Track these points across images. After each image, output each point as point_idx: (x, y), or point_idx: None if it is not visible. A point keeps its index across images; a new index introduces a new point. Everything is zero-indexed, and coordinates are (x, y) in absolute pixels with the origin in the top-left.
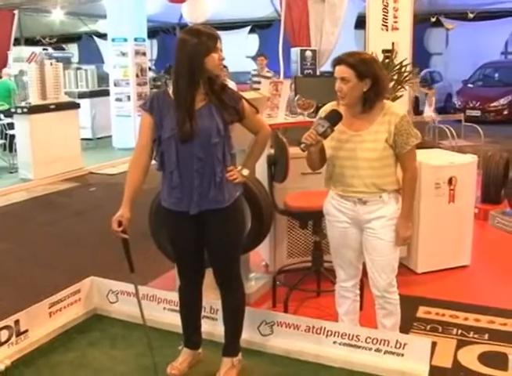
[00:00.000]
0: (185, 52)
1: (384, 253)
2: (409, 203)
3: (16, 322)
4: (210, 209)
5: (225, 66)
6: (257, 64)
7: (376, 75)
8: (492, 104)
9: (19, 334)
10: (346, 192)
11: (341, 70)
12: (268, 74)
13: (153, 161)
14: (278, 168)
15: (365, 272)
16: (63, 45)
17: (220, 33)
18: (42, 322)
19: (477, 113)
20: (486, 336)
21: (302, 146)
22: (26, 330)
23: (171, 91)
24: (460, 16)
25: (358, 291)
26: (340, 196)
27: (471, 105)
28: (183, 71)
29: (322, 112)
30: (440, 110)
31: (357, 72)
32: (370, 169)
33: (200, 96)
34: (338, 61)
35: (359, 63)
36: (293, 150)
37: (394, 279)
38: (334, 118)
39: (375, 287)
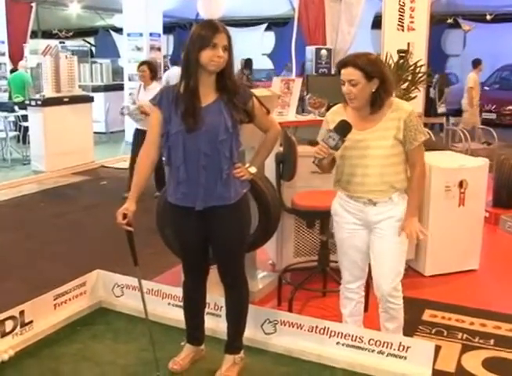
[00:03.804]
0: (186, 44)
1: (390, 255)
2: (417, 200)
3: (21, 313)
4: (215, 205)
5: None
6: None
7: (383, 74)
8: (508, 107)
9: (23, 324)
10: (356, 192)
11: (349, 73)
12: None
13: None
14: (286, 166)
15: (370, 274)
16: (86, 39)
17: (236, 30)
18: (47, 313)
19: (492, 116)
20: (492, 341)
21: (316, 161)
22: (30, 321)
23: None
24: (478, 17)
25: (363, 293)
26: (349, 197)
27: (487, 108)
28: (184, 64)
29: (329, 115)
30: (455, 113)
31: (365, 73)
32: (380, 167)
33: (210, 92)
34: (344, 63)
35: (366, 64)
36: (302, 149)
37: (399, 283)
38: (344, 129)
39: (379, 290)
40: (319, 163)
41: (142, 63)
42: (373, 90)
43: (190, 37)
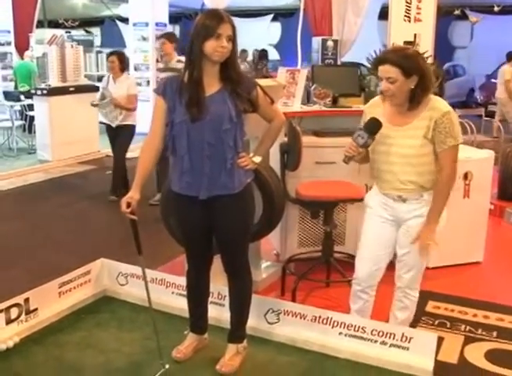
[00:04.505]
0: (191, 34)
1: (415, 251)
2: (440, 206)
3: (26, 300)
4: (219, 195)
5: (244, 51)
6: (159, 51)
7: (421, 70)
8: None
9: (28, 312)
10: (385, 188)
11: (386, 70)
12: (180, 66)
13: None
14: (290, 156)
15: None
16: (88, 29)
17: (242, 20)
18: (52, 301)
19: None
20: (494, 333)
21: (345, 159)
22: (35, 309)
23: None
24: (486, 9)
25: (373, 293)
26: (381, 191)
27: (494, 100)
28: (187, 54)
29: (367, 107)
30: (461, 105)
31: (403, 70)
32: (407, 166)
33: (214, 82)
34: (382, 60)
35: (404, 60)
36: (307, 139)
37: (419, 277)
38: (373, 128)
39: (399, 281)
40: (348, 161)
41: (112, 54)
42: (412, 87)
43: (195, 26)
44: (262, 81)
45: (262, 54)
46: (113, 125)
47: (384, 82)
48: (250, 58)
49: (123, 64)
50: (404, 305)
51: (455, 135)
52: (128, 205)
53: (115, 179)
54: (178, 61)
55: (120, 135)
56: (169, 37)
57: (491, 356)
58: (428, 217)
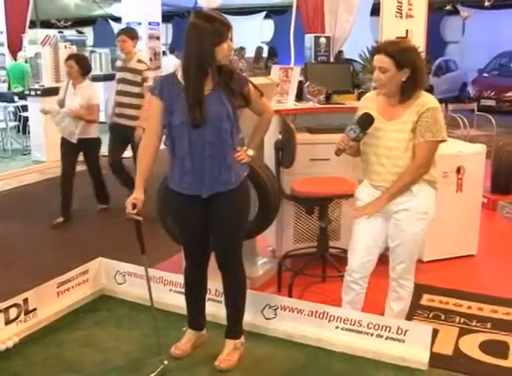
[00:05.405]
0: (195, 39)
1: (405, 244)
2: (394, 189)
3: (25, 300)
4: (220, 192)
5: (242, 48)
6: (119, 49)
7: (414, 64)
8: (507, 94)
9: (27, 312)
10: (374, 180)
11: (380, 60)
12: (140, 67)
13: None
14: (285, 153)
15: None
16: (80, 28)
17: (235, 18)
18: (50, 301)
19: (492, 102)
20: (488, 325)
21: (337, 151)
22: (34, 309)
23: (179, 75)
24: (477, 4)
25: (365, 285)
26: (370, 184)
27: (486, 94)
28: (192, 58)
29: (362, 101)
30: (454, 100)
31: (396, 61)
32: (396, 159)
33: (208, 82)
34: (378, 49)
35: (399, 53)
36: (301, 136)
37: (412, 268)
38: (365, 122)
39: (393, 271)
40: (339, 153)
41: (70, 57)
42: (403, 80)
43: (202, 31)
44: (256, 80)
45: (271, 52)
46: (74, 141)
47: (376, 71)
48: (247, 55)
49: (83, 69)
50: (399, 295)
51: (434, 131)
52: (134, 206)
53: (98, 190)
54: (139, 61)
55: (87, 153)
56: (129, 33)
57: (485, 346)
58: (381, 195)
